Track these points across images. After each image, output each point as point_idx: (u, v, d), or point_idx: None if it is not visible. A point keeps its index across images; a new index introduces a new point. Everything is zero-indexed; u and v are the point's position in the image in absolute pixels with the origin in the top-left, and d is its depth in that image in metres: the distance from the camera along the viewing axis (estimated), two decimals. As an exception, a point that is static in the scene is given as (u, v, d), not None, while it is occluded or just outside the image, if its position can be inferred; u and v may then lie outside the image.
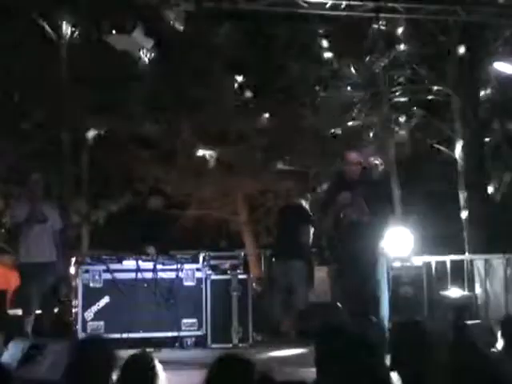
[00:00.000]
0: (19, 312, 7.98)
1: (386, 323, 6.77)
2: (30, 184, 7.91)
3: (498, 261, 9.60)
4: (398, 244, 9.22)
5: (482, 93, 12.62)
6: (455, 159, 12.17)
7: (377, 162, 7.56)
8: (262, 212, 14.96)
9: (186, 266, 8.17)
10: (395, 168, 12.49)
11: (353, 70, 13.00)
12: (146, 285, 7.99)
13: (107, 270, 7.94)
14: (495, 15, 9.90)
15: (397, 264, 9.26)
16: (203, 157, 13.46)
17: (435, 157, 13.55)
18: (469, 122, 12.00)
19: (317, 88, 13.58)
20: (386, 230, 7.01)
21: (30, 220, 7.62)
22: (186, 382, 3.59)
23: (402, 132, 13.43)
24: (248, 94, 13.68)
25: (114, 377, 3.55)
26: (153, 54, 9.53)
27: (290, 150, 13.62)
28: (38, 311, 7.73)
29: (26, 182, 8.10)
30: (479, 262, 9.81)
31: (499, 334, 3.95)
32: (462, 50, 11.74)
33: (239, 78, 13.60)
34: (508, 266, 9.50)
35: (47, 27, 12.32)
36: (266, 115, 13.69)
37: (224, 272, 8.33)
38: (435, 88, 12.69)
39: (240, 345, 8.04)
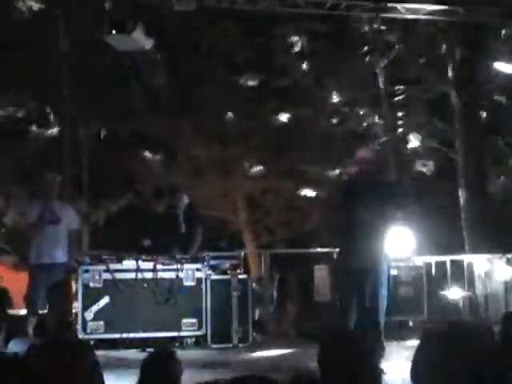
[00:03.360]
0: (20, 312, 7.93)
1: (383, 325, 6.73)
2: (46, 184, 7.66)
3: (498, 261, 9.60)
4: (399, 244, 9.21)
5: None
6: (455, 159, 12.17)
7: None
8: (262, 212, 14.95)
9: (186, 266, 8.16)
10: (394, 168, 12.48)
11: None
12: (145, 285, 7.99)
13: (107, 270, 7.93)
14: (495, 15, 9.89)
15: (397, 264, 9.26)
16: (203, 157, 13.46)
17: (435, 157, 13.56)
18: (469, 122, 11.99)
19: (317, 88, 13.59)
20: (388, 231, 6.98)
21: (41, 221, 7.43)
22: (186, 382, 3.60)
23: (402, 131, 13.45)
24: (248, 93, 13.67)
25: None
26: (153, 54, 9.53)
27: (290, 149, 13.61)
28: (42, 311, 7.65)
29: (40, 182, 7.92)
30: (479, 261, 9.80)
31: (496, 331, 3.94)
32: (462, 50, 11.74)
33: (240, 79, 13.60)
34: (508, 265, 9.50)
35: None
36: (266, 115, 13.69)
37: (224, 272, 8.32)
38: (435, 88, 12.69)
39: (240, 345, 8.04)
